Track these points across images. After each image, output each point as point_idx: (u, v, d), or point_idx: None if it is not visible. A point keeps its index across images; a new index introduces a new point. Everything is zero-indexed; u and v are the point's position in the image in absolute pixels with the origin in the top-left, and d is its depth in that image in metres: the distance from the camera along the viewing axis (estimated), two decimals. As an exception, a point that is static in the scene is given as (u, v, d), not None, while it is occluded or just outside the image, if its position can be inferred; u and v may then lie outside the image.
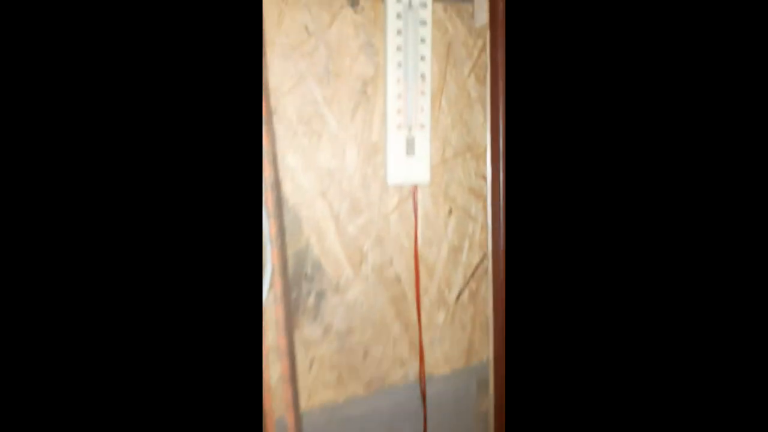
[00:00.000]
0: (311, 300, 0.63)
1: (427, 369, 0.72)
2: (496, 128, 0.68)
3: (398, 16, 0.58)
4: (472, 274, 0.74)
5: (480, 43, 0.69)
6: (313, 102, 0.60)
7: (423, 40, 0.60)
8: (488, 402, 0.77)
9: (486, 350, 0.77)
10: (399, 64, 0.58)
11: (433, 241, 0.70)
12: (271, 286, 0.56)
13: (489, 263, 0.74)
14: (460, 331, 0.74)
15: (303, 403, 0.64)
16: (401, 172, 0.60)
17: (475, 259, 0.74)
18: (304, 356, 0.63)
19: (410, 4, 0.58)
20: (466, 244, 0.73)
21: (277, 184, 0.58)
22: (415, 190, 0.64)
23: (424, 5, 0.59)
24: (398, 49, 0.58)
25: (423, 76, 0.60)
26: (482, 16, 0.63)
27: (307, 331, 0.63)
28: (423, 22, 0.60)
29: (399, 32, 0.58)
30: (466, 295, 0.74)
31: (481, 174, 0.73)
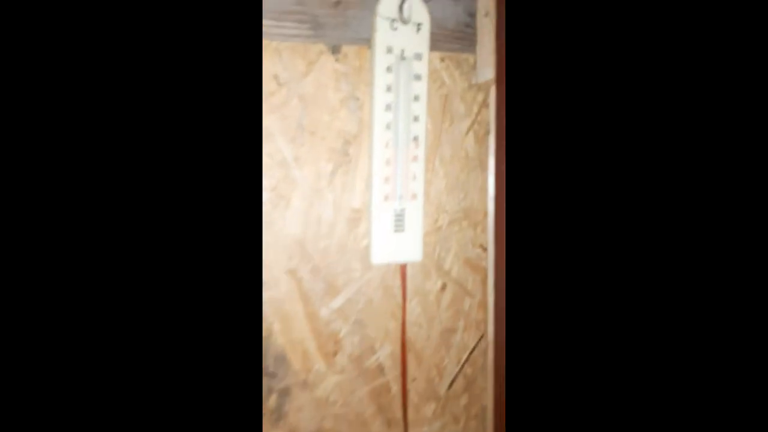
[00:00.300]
0: (273, 400, 0.52)
1: (413, 470, 0.61)
2: (501, 192, 0.60)
3: (388, 69, 0.49)
4: (467, 358, 0.64)
5: (480, 97, 0.61)
6: (282, 163, 0.50)
7: (417, 98, 0.51)
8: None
9: (481, 444, 0.67)
10: (388, 126, 0.50)
11: (423, 321, 0.61)
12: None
13: (488, 345, 0.64)
14: (451, 424, 0.64)
15: None
16: (388, 250, 0.51)
17: (471, 341, 0.64)
18: (264, 465, 0.52)
19: (403, 56, 0.50)
20: (461, 324, 0.64)
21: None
22: (404, 268, 0.55)
23: (419, 57, 0.51)
24: (387, 108, 0.49)
25: (416, 140, 0.51)
26: (487, 70, 0.55)
27: (270, 435, 0.52)
28: (417, 77, 0.51)
29: (389, 89, 0.49)
30: (460, 381, 0.64)
31: (479, 243, 0.64)
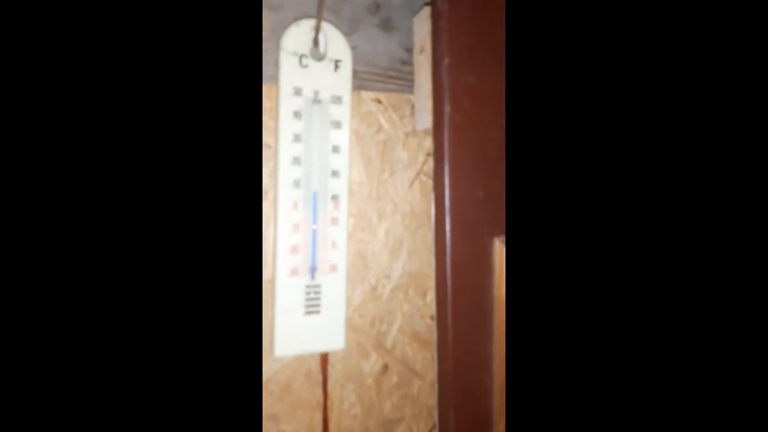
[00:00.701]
0: None
1: None
2: (442, 251, 0.50)
3: (296, 115, 0.41)
4: (417, 459, 0.53)
5: (427, 143, 0.52)
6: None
7: (336, 149, 0.42)
8: None
9: None
10: (296, 183, 0.40)
11: (359, 411, 0.50)
12: None
13: (441, 441, 0.53)
14: None
15: None
16: (297, 338, 0.40)
17: (422, 437, 0.53)
18: None
19: (316, 98, 0.41)
20: (408, 412, 0.53)
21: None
22: (324, 357, 0.44)
23: (338, 100, 0.42)
24: (296, 161, 0.40)
25: (336, 199, 0.42)
26: (425, 117, 0.46)
27: None
28: (336, 124, 0.42)
29: (297, 138, 0.40)
30: (408, 488, 0.52)
31: (429, 314, 0.53)
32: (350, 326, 0.48)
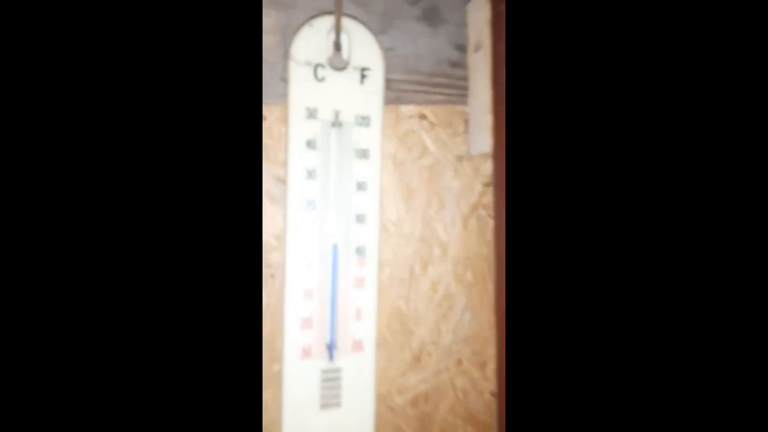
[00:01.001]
0: None
1: None
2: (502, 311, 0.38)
3: (310, 145, 0.31)
4: None
5: (486, 168, 0.40)
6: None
7: (362, 186, 0.32)
8: None
9: None
10: (310, 234, 0.31)
11: None
12: None
13: None
14: None
15: None
16: (312, 437, 0.31)
17: None
18: None
19: (336, 121, 0.31)
20: None
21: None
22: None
23: (364, 121, 0.32)
24: (309, 205, 0.31)
25: (362, 252, 0.32)
26: (483, 136, 0.34)
27: None
28: (363, 154, 0.32)
29: (311, 175, 0.31)
30: None
31: (488, 389, 0.42)
32: (386, 406, 0.38)
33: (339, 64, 0.31)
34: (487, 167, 0.40)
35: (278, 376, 0.32)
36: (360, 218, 0.32)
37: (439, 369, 0.40)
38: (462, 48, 0.37)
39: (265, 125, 0.34)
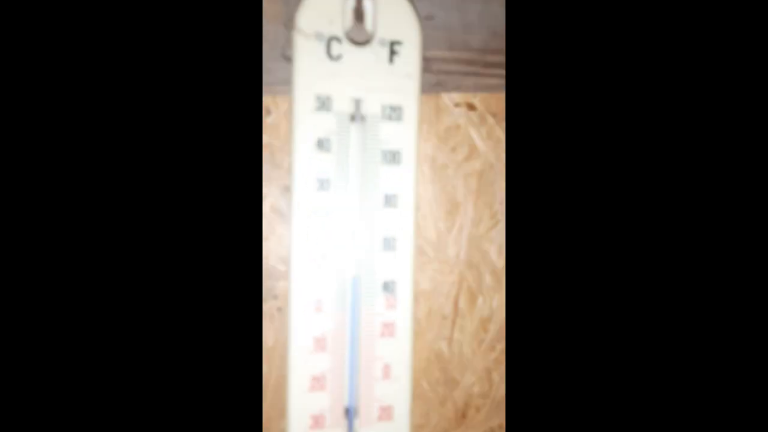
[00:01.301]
0: None
1: None
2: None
3: (321, 145, 0.23)
4: None
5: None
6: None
7: (393, 202, 0.24)
8: None
9: None
10: (321, 264, 0.23)
11: None
12: None
13: None
14: None
15: None
16: None
17: None
18: None
19: (357, 113, 0.23)
20: None
21: None
22: None
23: (395, 113, 0.24)
24: (320, 225, 0.23)
25: (391, 289, 0.24)
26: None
27: None
28: (393, 157, 0.24)
29: (324, 185, 0.23)
30: None
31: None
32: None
33: (360, 38, 0.23)
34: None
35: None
36: (388, 243, 0.24)
37: (491, 428, 0.32)
38: (523, 16, 0.29)
39: (268, 121, 0.27)
